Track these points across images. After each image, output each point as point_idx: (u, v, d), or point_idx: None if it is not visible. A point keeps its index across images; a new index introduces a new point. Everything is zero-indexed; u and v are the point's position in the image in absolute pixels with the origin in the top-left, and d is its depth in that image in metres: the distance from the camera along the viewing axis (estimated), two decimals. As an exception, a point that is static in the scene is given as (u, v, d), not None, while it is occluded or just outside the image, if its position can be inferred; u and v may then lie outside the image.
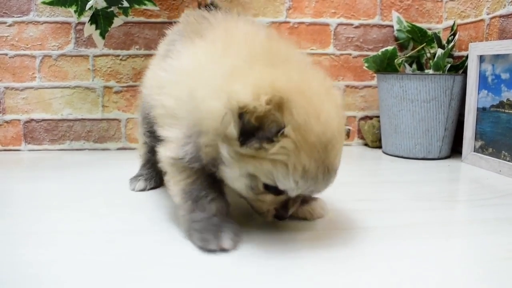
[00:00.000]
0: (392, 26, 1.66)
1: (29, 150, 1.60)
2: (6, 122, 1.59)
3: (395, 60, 1.47)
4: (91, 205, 0.96)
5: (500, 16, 1.34)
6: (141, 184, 1.06)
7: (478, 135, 1.36)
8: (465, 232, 0.82)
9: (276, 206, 0.72)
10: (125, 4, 1.39)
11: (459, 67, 1.46)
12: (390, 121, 1.48)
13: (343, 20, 1.65)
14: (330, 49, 1.66)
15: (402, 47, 1.66)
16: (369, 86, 1.69)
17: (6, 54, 1.56)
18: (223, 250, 0.70)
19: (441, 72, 1.42)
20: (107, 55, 1.59)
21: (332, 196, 1.00)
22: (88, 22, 1.43)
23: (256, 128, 0.61)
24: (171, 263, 0.67)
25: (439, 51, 1.41)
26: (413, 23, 1.59)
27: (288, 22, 1.63)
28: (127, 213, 0.91)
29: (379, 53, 1.49)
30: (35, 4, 1.54)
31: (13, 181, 1.18)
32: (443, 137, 1.42)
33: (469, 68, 1.37)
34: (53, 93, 1.59)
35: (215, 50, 0.75)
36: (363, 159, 1.50)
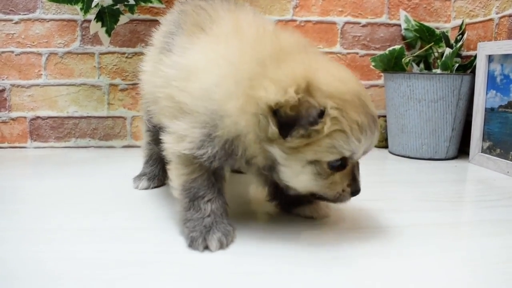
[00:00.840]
0: (399, 25, 1.65)
1: (35, 148, 1.60)
2: (12, 119, 1.59)
3: (403, 60, 1.45)
4: (95, 202, 0.96)
5: (510, 16, 1.32)
6: (144, 183, 1.06)
7: (486, 136, 1.34)
8: (472, 233, 0.81)
9: (347, 182, 0.73)
10: (131, 1, 1.39)
11: (467, 66, 1.44)
12: (397, 121, 1.46)
13: (350, 18, 1.64)
14: (337, 48, 1.64)
15: (410, 46, 1.65)
16: (376, 86, 1.68)
17: (12, 52, 1.56)
18: (209, 250, 0.70)
19: (449, 72, 1.40)
20: (113, 53, 1.59)
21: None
22: (94, 19, 1.43)
23: (294, 118, 0.64)
24: (170, 261, 0.67)
25: (447, 51, 1.39)
26: (421, 22, 1.57)
27: (295, 21, 1.62)
28: (129, 211, 0.91)
29: (387, 52, 1.48)
30: (41, 2, 1.54)
31: (19, 178, 1.18)
32: (450, 137, 1.41)
33: (477, 68, 1.36)
34: (59, 90, 1.59)
35: (227, 49, 0.74)
36: (369, 159, 1.46)
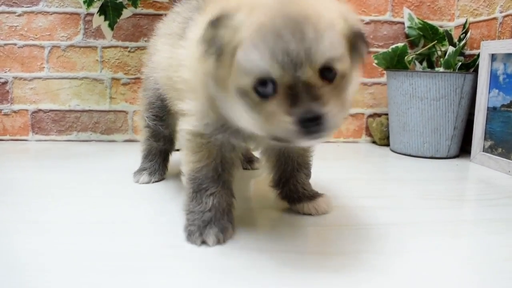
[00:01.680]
0: (403, 23, 1.64)
1: (36, 141, 1.61)
2: (14, 112, 1.60)
3: (405, 57, 1.45)
4: (95, 196, 0.96)
5: (514, 14, 1.32)
6: (145, 177, 1.06)
7: (488, 135, 1.34)
8: (472, 232, 0.81)
9: (283, 109, 0.55)
10: (135, -5, 1.38)
11: (470, 65, 1.44)
12: (399, 119, 1.46)
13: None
14: (340, 45, 1.64)
15: (413, 44, 1.64)
16: (378, 83, 1.67)
17: (15, 44, 1.56)
18: (207, 245, 0.70)
19: (451, 70, 1.40)
20: (115, 47, 1.59)
21: (338, 193, 0.99)
22: (97, 13, 1.43)
23: (206, 30, 0.60)
24: (169, 254, 0.67)
25: (450, 49, 1.39)
26: (425, 20, 1.57)
27: None
28: (129, 205, 0.91)
29: (389, 49, 1.47)
30: (45, -6, 1.54)
31: (19, 170, 1.19)
32: (452, 136, 1.40)
33: (480, 66, 1.35)
34: (61, 83, 1.59)
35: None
36: (370, 157, 1.48)
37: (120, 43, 1.58)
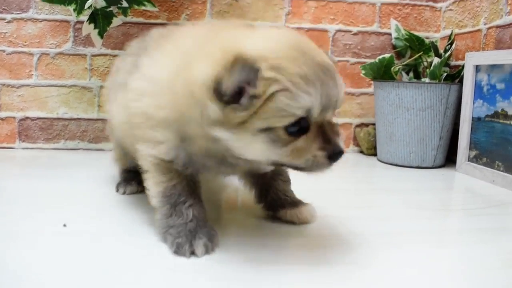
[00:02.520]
0: (390, 34, 1.67)
1: (23, 148, 1.59)
2: (1, 119, 1.58)
3: (392, 68, 1.47)
4: (81, 205, 0.95)
5: (497, 27, 1.35)
6: (133, 187, 1.05)
7: (473, 145, 1.36)
8: (458, 241, 0.82)
9: (317, 146, 0.65)
10: (125, 4, 1.39)
11: (455, 76, 1.47)
12: (386, 129, 1.48)
13: (341, 26, 1.65)
14: (328, 55, 1.66)
15: (400, 55, 1.67)
16: (366, 94, 1.69)
17: (4, 51, 1.56)
18: (196, 255, 0.70)
19: (437, 81, 1.42)
20: (105, 55, 1.59)
21: (324, 203, 0.99)
22: (87, 21, 1.43)
23: (236, 80, 0.60)
24: (155, 266, 0.67)
25: (436, 60, 1.41)
26: (411, 32, 1.59)
27: (287, 27, 1.63)
28: (116, 215, 0.90)
29: (376, 60, 1.50)
30: (34, 1, 1.54)
31: (4, 179, 1.17)
32: (438, 146, 1.42)
33: (465, 77, 1.38)
34: (49, 91, 1.59)
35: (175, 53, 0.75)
36: (357, 166, 1.50)
37: (109, 51, 1.59)
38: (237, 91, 0.61)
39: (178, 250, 0.70)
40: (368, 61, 1.60)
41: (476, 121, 1.35)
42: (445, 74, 1.45)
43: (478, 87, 1.35)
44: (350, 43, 1.67)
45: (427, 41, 1.56)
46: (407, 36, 1.58)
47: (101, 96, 1.60)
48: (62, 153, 1.55)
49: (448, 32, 1.60)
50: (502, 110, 1.25)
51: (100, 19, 1.44)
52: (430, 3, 1.68)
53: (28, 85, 1.58)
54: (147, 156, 0.75)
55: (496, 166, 1.25)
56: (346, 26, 1.66)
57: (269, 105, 0.61)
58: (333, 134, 0.66)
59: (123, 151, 1.00)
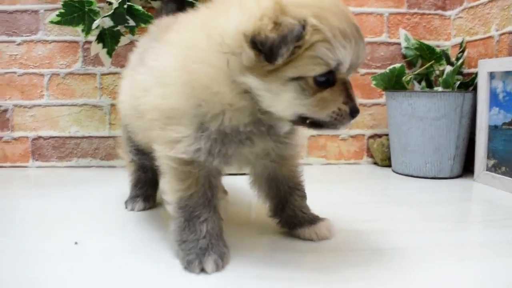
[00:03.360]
0: (399, 44, 1.65)
1: (37, 167, 1.60)
2: (15, 139, 1.59)
3: (403, 78, 1.45)
4: (93, 222, 0.95)
5: (510, 33, 1.32)
6: (140, 204, 1.04)
7: (491, 154, 1.32)
8: (478, 255, 0.79)
9: (342, 100, 0.67)
10: (131, 23, 1.39)
11: (469, 84, 1.43)
12: (399, 140, 1.45)
13: (350, 37, 1.64)
14: (338, 67, 1.64)
15: (411, 64, 1.65)
16: (378, 104, 1.67)
17: (15, 73, 1.58)
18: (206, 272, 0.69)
19: (450, 90, 1.40)
20: (114, 73, 1.60)
21: (339, 217, 0.97)
22: (95, 41, 1.44)
23: (279, 39, 0.60)
24: (166, 283, 0.65)
25: (448, 68, 1.39)
26: (421, 41, 1.57)
27: None
28: (127, 232, 0.89)
29: (387, 70, 1.48)
30: (43, 24, 1.56)
31: (18, 198, 1.17)
32: (454, 155, 1.39)
33: (479, 85, 1.35)
34: (60, 110, 1.60)
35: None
36: (372, 178, 1.47)
37: (118, 69, 1.59)
38: (280, 44, 0.61)
39: (188, 267, 0.70)
40: (379, 71, 1.58)
41: (493, 129, 1.31)
42: (458, 82, 1.42)
43: (493, 95, 1.32)
44: (360, 54, 1.65)
45: (437, 49, 1.54)
46: (417, 45, 1.56)
47: (112, 114, 1.61)
48: (75, 170, 1.56)
49: (459, 40, 1.57)
50: (520, 117, 1.21)
51: (108, 38, 1.45)
52: (439, 12, 1.66)
53: (39, 105, 1.59)
54: (165, 158, 0.73)
55: (515, 175, 1.22)
56: (355, 37, 1.64)
57: (307, 53, 0.63)
58: (352, 92, 0.68)
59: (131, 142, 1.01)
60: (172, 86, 0.71)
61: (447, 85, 1.39)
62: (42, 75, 1.58)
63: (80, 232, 0.88)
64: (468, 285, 0.67)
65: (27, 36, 1.57)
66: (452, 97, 1.34)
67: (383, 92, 1.62)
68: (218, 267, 0.70)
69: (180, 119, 0.70)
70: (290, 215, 0.85)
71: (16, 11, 1.56)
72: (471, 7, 1.52)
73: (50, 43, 1.58)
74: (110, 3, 1.37)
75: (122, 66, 1.59)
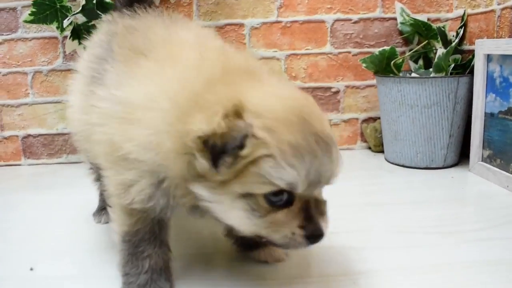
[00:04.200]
0: (395, 19, 1.52)
1: (29, 165, 1.62)
2: (5, 138, 1.61)
3: (393, 62, 1.34)
4: (53, 244, 0.95)
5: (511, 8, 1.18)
6: (106, 217, 1.02)
7: (486, 143, 1.22)
8: (463, 278, 0.72)
9: (298, 223, 0.60)
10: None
11: (466, 66, 1.31)
12: (390, 127, 1.36)
13: (340, 15, 1.52)
14: (327, 48, 1.54)
15: (407, 41, 1.52)
16: (372, 86, 1.56)
17: (0, 72, 1.57)
18: None
19: (443, 74, 1.28)
20: (96, 68, 1.56)
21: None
22: (69, 38, 1.40)
23: (222, 146, 0.55)
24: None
25: (440, 51, 1.27)
26: (416, 18, 1.44)
27: (280, 22, 1.52)
28: (83, 253, 0.89)
29: (377, 53, 1.36)
30: (22, 21, 1.52)
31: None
32: (448, 144, 1.29)
33: (475, 68, 1.23)
34: (46, 108, 1.59)
35: (165, 80, 0.66)
36: (362, 169, 1.39)
37: (99, 63, 1.55)
38: (223, 151, 0.55)
39: None
40: (372, 50, 1.47)
41: (489, 117, 1.20)
42: (452, 65, 1.29)
43: (490, 79, 1.20)
44: (351, 33, 1.53)
45: (434, 26, 1.40)
46: (412, 21, 1.43)
47: (96, 110, 1.58)
48: (66, 167, 1.57)
49: (461, 12, 1.43)
50: (516, 106, 1.10)
51: (82, 34, 1.41)
52: (441, -21, 1.51)
53: (26, 104, 1.59)
54: (112, 195, 0.70)
55: (510, 170, 1.12)
56: (345, 14, 1.52)
57: (252, 169, 0.56)
58: (318, 213, 0.60)
59: None
60: (141, 129, 0.64)
61: (439, 69, 1.28)
62: (25, 73, 1.56)
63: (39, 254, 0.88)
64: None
65: (8, 34, 1.54)
66: (445, 83, 1.23)
67: (376, 74, 1.51)
68: None
69: (138, 167, 0.65)
70: (244, 237, 0.82)
71: (-6, 9, 1.53)
72: (473, -25, 1.36)
73: (30, 40, 1.54)
74: None
75: (102, 60, 1.55)
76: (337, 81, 1.56)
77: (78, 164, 1.60)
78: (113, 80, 0.73)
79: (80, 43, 1.41)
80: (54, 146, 1.61)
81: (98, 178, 1.03)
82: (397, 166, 1.37)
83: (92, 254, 0.88)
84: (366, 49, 1.53)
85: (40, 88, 1.57)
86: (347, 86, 1.56)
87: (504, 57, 1.14)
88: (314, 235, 0.60)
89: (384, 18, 1.53)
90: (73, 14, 1.33)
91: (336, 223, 0.93)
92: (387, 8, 1.52)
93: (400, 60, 1.35)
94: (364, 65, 1.40)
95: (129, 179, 0.66)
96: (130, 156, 0.65)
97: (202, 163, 0.57)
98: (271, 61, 1.54)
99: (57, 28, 1.39)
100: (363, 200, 1.12)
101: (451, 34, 1.42)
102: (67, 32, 1.41)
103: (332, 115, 1.58)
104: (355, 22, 1.53)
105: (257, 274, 0.77)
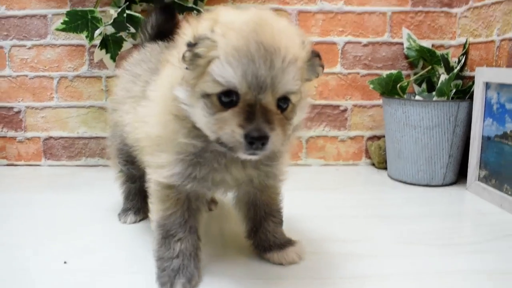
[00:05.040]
0: (402, 44, 1.62)
1: (49, 166, 1.70)
2: (28, 139, 1.69)
3: (399, 85, 1.43)
4: (86, 238, 1.02)
5: (510, 39, 1.28)
6: (131, 217, 1.11)
7: (483, 164, 1.31)
8: (461, 286, 0.80)
9: (238, 122, 0.64)
10: (132, 30, 1.44)
11: (466, 91, 1.41)
12: (394, 146, 1.46)
13: (351, 38, 1.62)
14: (337, 68, 1.64)
15: (413, 65, 1.62)
16: (378, 106, 1.66)
17: (27, 75, 1.66)
18: None
19: (445, 99, 1.38)
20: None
21: (318, 235, 1.01)
22: (98, 47, 1.49)
23: (188, 44, 0.68)
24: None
25: (443, 77, 1.37)
26: (421, 44, 1.54)
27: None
28: (114, 249, 0.96)
29: (384, 75, 1.46)
30: (51, 28, 1.62)
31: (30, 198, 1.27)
32: (447, 164, 1.39)
33: (475, 94, 1.33)
34: (69, 112, 1.68)
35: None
36: (366, 184, 1.48)
37: (122, 72, 1.64)
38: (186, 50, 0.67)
39: (161, 286, 0.78)
40: (380, 72, 1.57)
41: (486, 140, 1.30)
42: (454, 90, 1.39)
43: (488, 105, 1.29)
44: (360, 55, 1.64)
45: (438, 53, 1.50)
46: (418, 48, 1.53)
47: (116, 116, 1.67)
48: (84, 169, 1.65)
49: (463, 40, 1.53)
50: (511, 132, 1.20)
51: (111, 44, 1.50)
52: (445, 9, 1.61)
53: (50, 107, 1.67)
54: (151, 181, 0.81)
55: (504, 189, 1.21)
56: (355, 37, 1.62)
57: (207, 69, 0.66)
58: (261, 117, 0.64)
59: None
60: (157, 110, 0.77)
61: (442, 93, 1.38)
62: (51, 78, 1.66)
63: (71, 250, 0.95)
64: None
65: (37, 40, 1.64)
66: (446, 107, 1.33)
67: (383, 95, 1.61)
68: None
69: (165, 146, 0.77)
70: (262, 238, 0.90)
71: (26, 16, 1.62)
72: (476, 7, 1.47)
73: (58, 47, 1.64)
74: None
75: (125, 70, 1.64)
76: (346, 100, 1.66)
77: (96, 167, 1.68)
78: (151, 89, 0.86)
79: (107, 53, 1.50)
80: (74, 148, 1.70)
81: (126, 181, 1.12)
82: (399, 183, 1.46)
83: (120, 251, 0.96)
84: (374, 71, 1.63)
85: (65, 93, 1.66)
86: (354, 105, 1.66)
87: (502, 86, 1.24)
88: (251, 135, 0.63)
89: (392, 43, 1.63)
90: (105, 25, 1.43)
91: (344, 232, 1.04)
92: (395, 33, 1.62)
93: (406, 84, 1.45)
94: (371, 86, 1.50)
95: (160, 161, 0.77)
96: (154, 137, 0.77)
97: (181, 69, 0.69)
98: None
99: (87, 37, 1.48)
100: (368, 213, 1.20)
101: (453, 60, 1.53)
102: (95, 41, 1.50)
103: (339, 132, 1.67)
104: (365, 45, 1.63)
105: (273, 273, 0.85)
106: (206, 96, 0.67)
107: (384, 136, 1.64)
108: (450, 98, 1.39)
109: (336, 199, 1.32)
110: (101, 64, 1.64)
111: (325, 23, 1.61)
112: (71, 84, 1.66)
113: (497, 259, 0.92)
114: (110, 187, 1.34)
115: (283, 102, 0.68)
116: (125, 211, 1.13)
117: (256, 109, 0.64)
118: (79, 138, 1.69)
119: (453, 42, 1.62)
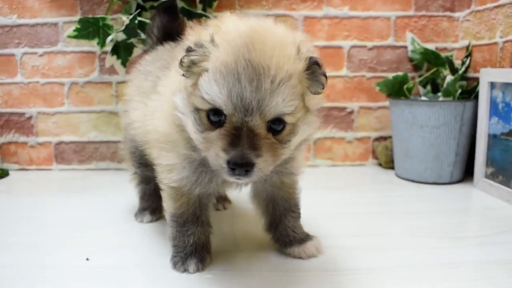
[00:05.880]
0: (406, 47, 1.66)
1: (60, 170, 1.72)
2: (39, 144, 1.72)
3: (405, 86, 1.47)
4: (105, 237, 1.05)
5: (513, 41, 1.32)
6: (148, 217, 1.13)
7: (489, 162, 1.35)
8: (468, 276, 0.82)
9: (221, 146, 0.62)
10: (143, 36, 1.47)
11: (471, 92, 1.45)
12: (401, 145, 1.49)
13: (356, 42, 1.66)
14: (343, 72, 1.68)
15: (417, 67, 1.66)
16: (384, 107, 1.70)
17: (38, 82, 1.68)
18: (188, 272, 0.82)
19: (451, 98, 1.41)
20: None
21: (332, 231, 1.03)
22: (110, 53, 1.52)
23: (187, 49, 0.67)
24: None
25: (448, 78, 1.40)
26: (426, 47, 1.58)
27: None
28: (132, 246, 0.99)
29: (390, 77, 1.50)
30: (63, 36, 1.65)
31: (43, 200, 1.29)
32: (454, 162, 1.42)
33: (480, 94, 1.36)
34: (80, 117, 1.70)
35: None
36: (374, 183, 1.51)
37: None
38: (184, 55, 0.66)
39: (174, 267, 0.84)
40: (385, 75, 1.61)
41: (492, 138, 1.33)
42: (459, 90, 1.43)
43: (493, 104, 1.33)
44: (366, 58, 1.67)
45: (442, 55, 1.54)
46: (422, 51, 1.57)
47: (127, 120, 1.70)
48: (95, 173, 1.67)
49: (466, 42, 1.57)
50: (517, 129, 1.23)
51: (122, 50, 1.53)
52: (448, 13, 1.66)
53: (61, 112, 1.70)
54: (163, 184, 0.84)
55: (511, 185, 1.24)
56: (360, 41, 1.66)
57: (199, 82, 0.64)
58: (246, 143, 0.61)
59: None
60: (166, 108, 0.78)
61: (448, 94, 1.41)
62: (62, 84, 1.68)
63: (92, 248, 0.97)
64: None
65: (48, 47, 1.67)
66: (452, 106, 1.36)
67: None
68: (199, 269, 0.83)
69: (172, 145, 0.79)
70: (282, 233, 0.92)
71: (37, 24, 1.65)
72: (478, 11, 1.51)
73: (69, 53, 1.67)
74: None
75: (136, 75, 1.67)
76: (352, 102, 1.69)
77: (107, 171, 1.70)
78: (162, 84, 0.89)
79: (118, 58, 1.54)
80: (85, 153, 1.72)
81: (141, 182, 1.15)
82: (407, 181, 1.48)
83: (139, 248, 0.98)
84: (379, 74, 1.67)
85: (76, 99, 1.69)
86: (361, 107, 1.70)
87: (507, 85, 1.27)
88: (233, 161, 0.60)
89: (396, 46, 1.67)
90: (117, 32, 1.46)
91: (357, 228, 1.07)
92: (399, 37, 1.67)
93: (412, 85, 1.48)
94: (378, 88, 1.54)
95: (167, 163, 0.80)
96: (162, 134, 0.79)
97: (181, 75, 0.68)
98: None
99: (98, 43, 1.52)
100: (379, 209, 1.23)
101: (456, 63, 1.57)
102: (106, 48, 1.53)
103: (346, 133, 1.71)
104: (370, 49, 1.67)
105: (293, 266, 0.87)
106: (197, 110, 0.66)
107: (390, 137, 1.67)
108: (456, 98, 1.42)
109: (346, 197, 1.34)
110: (111, 70, 1.67)
111: (331, 28, 1.65)
112: (82, 90, 1.69)
113: (507, 250, 0.94)
114: (121, 190, 1.38)
115: (277, 125, 0.65)
116: (141, 210, 1.15)
117: (242, 133, 0.61)
118: (89, 142, 1.72)
119: (456, 45, 1.66)
